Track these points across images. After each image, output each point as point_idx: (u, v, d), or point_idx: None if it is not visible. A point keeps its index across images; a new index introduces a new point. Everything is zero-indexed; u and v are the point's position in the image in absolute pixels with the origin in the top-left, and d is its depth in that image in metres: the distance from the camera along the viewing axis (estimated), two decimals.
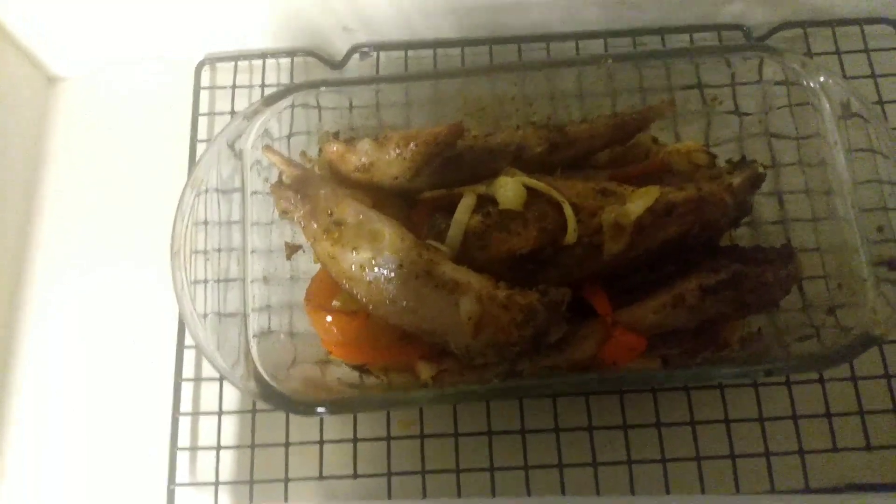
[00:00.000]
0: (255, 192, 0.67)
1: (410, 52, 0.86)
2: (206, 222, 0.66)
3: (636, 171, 0.76)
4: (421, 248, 0.64)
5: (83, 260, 0.83)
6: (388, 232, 0.65)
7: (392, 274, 0.63)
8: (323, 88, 0.66)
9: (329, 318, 0.67)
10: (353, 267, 0.64)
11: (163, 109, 0.88)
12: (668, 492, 0.70)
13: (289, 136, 0.71)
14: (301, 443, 0.72)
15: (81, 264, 0.83)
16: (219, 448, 0.73)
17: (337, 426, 0.73)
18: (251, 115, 0.65)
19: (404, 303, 0.64)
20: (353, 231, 0.65)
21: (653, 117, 0.72)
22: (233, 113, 0.86)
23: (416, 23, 0.86)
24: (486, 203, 0.67)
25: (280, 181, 0.67)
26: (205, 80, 0.88)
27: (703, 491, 0.70)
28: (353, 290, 0.66)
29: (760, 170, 0.69)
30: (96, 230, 0.84)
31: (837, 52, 0.85)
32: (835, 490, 0.69)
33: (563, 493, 0.69)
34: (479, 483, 0.70)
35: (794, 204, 0.72)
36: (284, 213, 0.67)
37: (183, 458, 0.73)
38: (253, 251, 0.67)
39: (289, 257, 0.69)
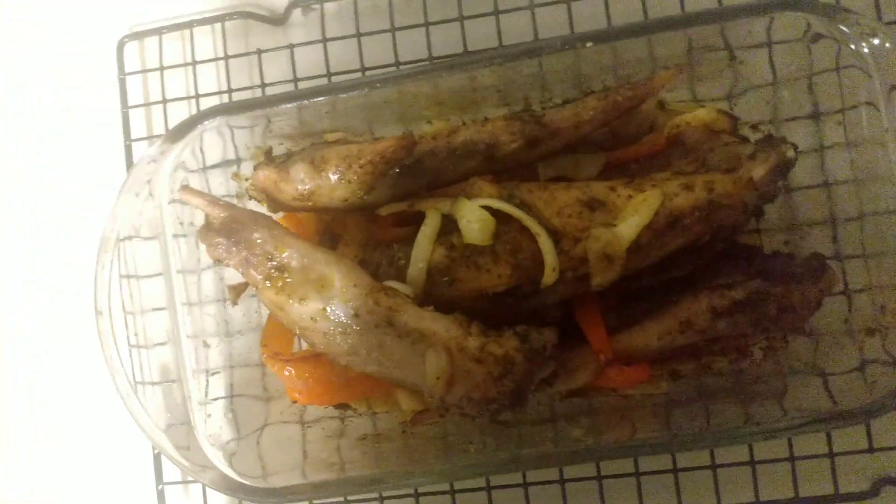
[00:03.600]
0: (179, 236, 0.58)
1: None
2: (134, 276, 0.58)
3: (639, 152, 0.62)
4: (378, 294, 0.55)
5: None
6: (338, 277, 0.55)
7: (348, 325, 0.55)
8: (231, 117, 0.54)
9: (289, 369, 0.60)
10: (304, 318, 0.56)
11: (90, 99, 0.77)
12: None
13: (213, 165, 0.60)
14: None
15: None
16: None
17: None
18: (158, 155, 0.54)
19: (365, 354, 0.56)
20: (298, 277, 0.56)
21: (654, 91, 0.58)
22: (165, 102, 0.74)
23: None
24: (451, 229, 0.56)
25: (208, 225, 0.57)
26: (130, 59, 0.75)
27: None
28: (307, 340, 0.58)
29: (790, 154, 0.56)
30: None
31: None
32: None
33: None
34: None
35: (816, 196, 0.59)
36: (218, 262, 0.57)
37: None
38: (200, 303, 0.59)
39: (235, 302, 0.61)
